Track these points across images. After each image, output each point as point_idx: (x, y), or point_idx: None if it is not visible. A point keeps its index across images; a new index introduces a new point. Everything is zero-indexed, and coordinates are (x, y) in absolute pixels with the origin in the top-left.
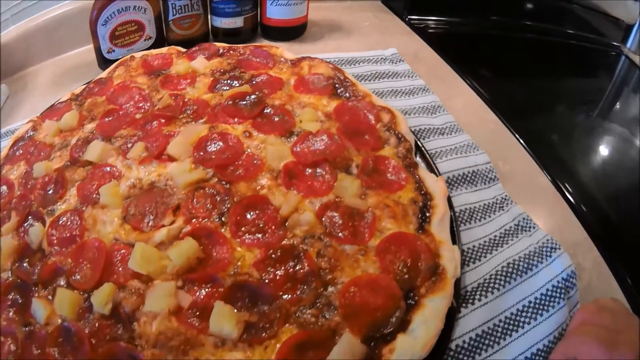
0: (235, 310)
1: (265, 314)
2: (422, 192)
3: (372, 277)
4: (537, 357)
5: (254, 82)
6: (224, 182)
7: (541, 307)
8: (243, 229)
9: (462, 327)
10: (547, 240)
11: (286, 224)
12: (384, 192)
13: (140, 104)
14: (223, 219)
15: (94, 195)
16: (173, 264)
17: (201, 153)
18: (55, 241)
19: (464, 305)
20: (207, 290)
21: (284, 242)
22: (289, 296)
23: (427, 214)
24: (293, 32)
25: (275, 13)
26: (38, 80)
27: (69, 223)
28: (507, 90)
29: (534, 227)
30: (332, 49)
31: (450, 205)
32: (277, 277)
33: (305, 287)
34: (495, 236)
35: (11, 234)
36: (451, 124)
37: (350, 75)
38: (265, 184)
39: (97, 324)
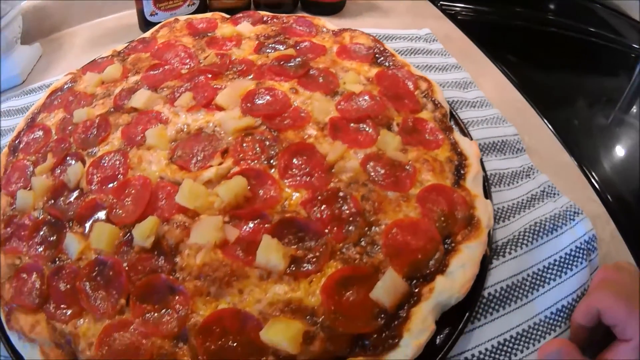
0: (282, 245)
1: (311, 250)
2: (457, 152)
3: (413, 220)
4: (561, 314)
5: (298, 48)
6: (272, 130)
7: (565, 265)
8: (291, 171)
9: (493, 277)
10: (570, 205)
11: (332, 170)
12: (423, 149)
13: (186, 61)
14: (272, 162)
15: (138, 137)
16: (221, 199)
17: (249, 104)
18: (95, 179)
19: (495, 257)
20: (254, 225)
21: (330, 185)
22: (335, 234)
23: (462, 172)
24: (332, 7)
25: None
26: (75, 42)
27: (112, 162)
28: (531, 78)
29: (557, 194)
30: (369, 25)
31: (483, 168)
32: (324, 216)
33: (350, 226)
34: (522, 199)
35: (46, 174)
36: (481, 98)
37: (390, 48)
38: (312, 134)
39: (136, 257)
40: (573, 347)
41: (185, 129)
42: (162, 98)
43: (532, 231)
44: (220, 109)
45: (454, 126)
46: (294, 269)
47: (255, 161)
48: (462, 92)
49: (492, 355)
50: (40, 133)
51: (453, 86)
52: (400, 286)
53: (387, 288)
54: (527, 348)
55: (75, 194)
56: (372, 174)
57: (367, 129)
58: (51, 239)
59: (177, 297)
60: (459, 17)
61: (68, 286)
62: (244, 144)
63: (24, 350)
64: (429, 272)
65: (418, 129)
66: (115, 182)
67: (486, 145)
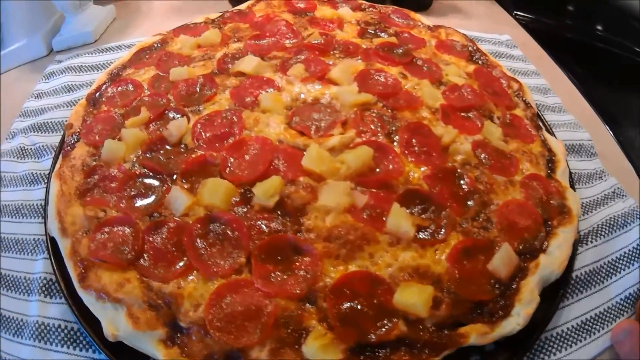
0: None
1: (434, 220)
2: (547, 148)
3: (520, 202)
4: (629, 300)
5: (399, 37)
6: (388, 108)
7: (633, 257)
8: (411, 147)
9: (578, 262)
10: (637, 206)
11: (448, 151)
12: (521, 142)
13: (289, 35)
14: (392, 136)
15: (249, 99)
16: (347, 166)
17: (363, 82)
18: (203, 136)
19: (579, 244)
20: (380, 193)
21: (447, 164)
22: (455, 208)
23: (552, 166)
24: (422, 4)
25: None
26: (153, 8)
27: (223, 121)
28: (595, 89)
29: (625, 196)
30: (455, 25)
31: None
32: (444, 191)
33: (469, 201)
34: (597, 198)
35: (139, 127)
36: (559, 105)
37: (483, 47)
38: (425, 116)
39: (256, 216)
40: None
41: (299, 99)
42: (270, 66)
43: (607, 225)
44: (334, 83)
45: (541, 125)
46: (422, 236)
47: (376, 135)
48: (543, 97)
49: (577, 332)
50: (130, 87)
51: (534, 91)
52: (514, 259)
53: (503, 260)
54: (603, 328)
55: (178, 149)
56: (482, 158)
57: (472, 118)
58: (148, 192)
59: (303, 258)
60: (530, 26)
61: (171, 242)
62: (364, 118)
63: (102, 312)
64: (535, 250)
65: (514, 124)
66: (230, 140)
67: (566, 147)
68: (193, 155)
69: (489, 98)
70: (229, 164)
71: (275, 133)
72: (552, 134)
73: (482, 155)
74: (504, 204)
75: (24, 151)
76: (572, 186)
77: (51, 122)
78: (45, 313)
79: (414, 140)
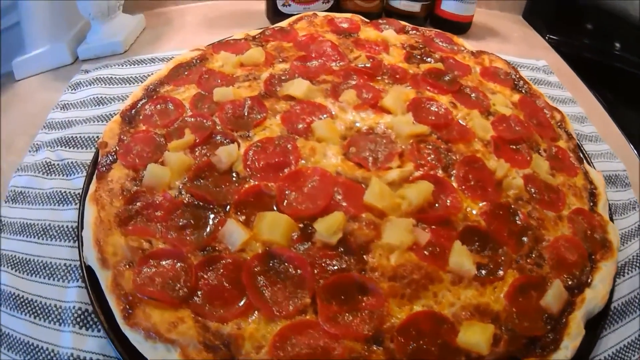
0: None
1: (492, 257)
2: (589, 180)
3: (569, 238)
4: None
5: (445, 63)
6: (443, 140)
7: None
8: (467, 182)
9: (616, 293)
10: None
11: (502, 185)
12: (566, 175)
13: (335, 57)
14: (449, 170)
15: (300, 126)
16: (409, 201)
17: (417, 112)
18: (256, 164)
19: (617, 277)
20: (440, 230)
21: (502, 199)
22: (512, 245)
23: (594, 199)
24: (460, 27)
25: (449, 6)
26: (186, 20)
27: (278, 149)
28: (628, 116)
29: None
30: (493, 49)
31: None
32: (501, 227)
33: (523, 238)
34: (632, 229)
35: (183, 151)
36: (595, 134)
37: (523, 74)
38: (478, 149)
39: (319, 254)
40: None
41: (354, 127)
42: (321, 91)
43: None
44: (386, 111)
45: (581, 157)
46: (482, 274)
47: (434, 169)
48: (580, 126)
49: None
50: (170, 106)
51: (572, 119)
52: (564, 295)
53: (555, 296)
54: (638, 353)
55: (228, 177)
56: (533, 192)
57: (522, 151)
58: (198, 223)
59: (369, 298)
60: (562, 49)
61: (227, 280)
62: (421, 150)
63: (152, 352)
64: (581, 284)
65: (559, 157)
66: (285, 170)
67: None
68: (246, 185)
69: (535, 129)
70: (287, 197)
71: (332, 164)
72: (592, 164)
73: (533, 190)
74: (555, 240)
75: (50, 166)
76: (611, 218)
77: (80, 137)
78: (81, 346)
79: (470, 174)
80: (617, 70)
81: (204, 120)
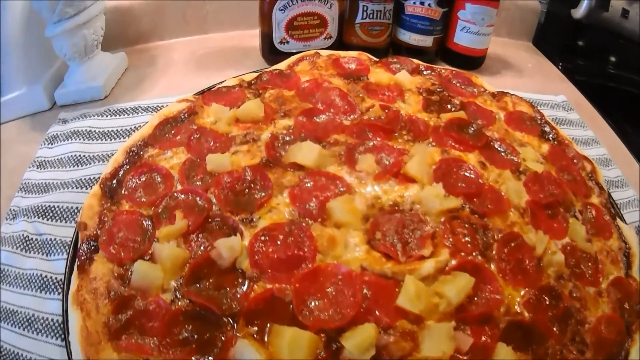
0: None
1: (536, 351)
2: (622, 239)
3: (609, 316)
4: None
5: (467, 110)
6: (477, 215)
7: None
8: (508, 265)
9: None
10: None
11: (542, 262)
12: (602, 239)
13: (345, 108)
14: (487, 253)
15: (313, 206)
16: (448, 301)
17: (446, 179)
18: (264, 262)
19: None
20: (481, 329)
21: (543, 281)
22: (555, 335)
23: (628, 261)
24: (474, 62)
25: (462, 39)
26: (173, 57)
27: (289, 239)
28: None
29: None
30: (510, 86)
31: None
32: (544, 317)
33: (566, 325)
34: None
35: (176, 241)
36: (621, 178)
37: (549, 119)
38: (515, 220)
39: None
40: None
41: (377, 203)
42: (333, 156)
43: None
44: (411, 180)
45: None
46: None
47: (472, 253)
48: (606, 171)
49: None
50: (157, 177)
51: (598, 163)
52: None
53: None
54: None
55: (232, 275)
56: (573, 266)
57: (558, 217)
58: (202, 336)
59: None
60: (576, 78)
61: None
62: (454, 230)
63: None
64: None
65: (594, 217)
66: (300, 269)
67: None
68: (255, 286)
69: (568, 187)
70: (307, 304)
71: (356, 258)
72: (622, 218)
73: (572, 262)
74: (597, 320)
75: (28, 241)
76: None
77: (58, 206)
78: None
79: (510, 255)
80: (630, 95)
81: (198, 199)
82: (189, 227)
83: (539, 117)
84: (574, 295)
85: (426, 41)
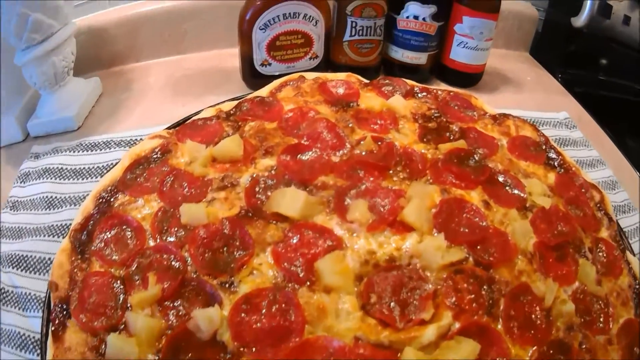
0: None
1: None
2: (632, 274)
3: None
4: None
5: (467, 138)
6: (482, 266)
7: None
8: (515, 324)
9: None
10: None
11: (550, 316)
12: (612, 278)
13: (334, 141)
14: (493, 311)
15: (300, 268)
16: None
17: (447, 224)
18: (247, 334)
19: None
20: None
21: (552, 336)
22: None
23: (639, 300)
24: (471, 78)
25: (459, 55)
26: (148, 81)
27: (273, 309)
28: None
29: None
30: (510, 104)
31: None
32: None
33: None
34: None
35: (150, 308)
36: (628, 202)
37: (554, 143)
38: (523, 268)
39: None
40: None
41: (371, 259)
42: (321, 203)
43: None
44: (408, 228)
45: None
46: None
47: (476, 313)
48: (612, 195)
49: None
50: (128, 231)
51: (604, 187)
52: None
53: None
54: None
55: (214, 349)
56: (583, 315)
57: (567, 259)
58: None
59: None
60: (576, 90)
61: None
62: (458, 286)
63: None
64: None
65: (605, 253)
66: (288, 343)
67: None
68: None
69: (577, 221)
70: None
71: (349, 328)
72: (632, 250)
73: (581, 309)
74: None
75: (4, 294)
76: None
77: (32, 256)
78: None
79: (517, 311)
80: (631, 104)
81: (172, 258)
82: (163, 293)
83: (544, 142)
84: (584, 346)
85: (420, 58)
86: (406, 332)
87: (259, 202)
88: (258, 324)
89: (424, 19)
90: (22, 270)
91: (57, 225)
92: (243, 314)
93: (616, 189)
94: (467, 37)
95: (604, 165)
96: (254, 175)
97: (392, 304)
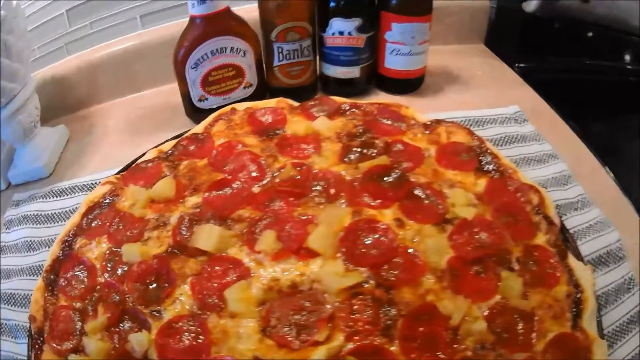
0: None
1: None
2: (574, 283)
3: None
4: None
5: (390, 152)
6: (383, 287)
7: None
8: (413, 344)
9: None
10: None
11: (458, 335)
12: (544, 289)
13: (255, 174)
14: (390, 331)
15: (213, 299)
16: None
17: (351, 249)
18: (169, 354)
19: None
20: None
21: (457, 357)
22: None
23: (579, 308)
24: (412, 84)
25: (394, 63)
26: (109, 124)
27: (186, 333)
28: (617, 146)
29: None
30: (455, 105)
31: None
32: None
33: None
34: (625, 319)
35: (100, 333)
36: (582, 196)
37: (491, 145)
38: (430, 287)
39: None
40: None
41: (274, 287)
42: (235, 237)
43: None
44: (314, 254)
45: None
46: None
47: (371, 334)
48: (564, 191)
49: None
50: (83, 271)
51: (553, 184)
52: None
53: None
54: None
55: None
56: (499, 332)
57: (488, 273)
58: None
59: None
60: (534, 78)
61: None
62: (354, 308)
63: None
64: None
65: (537, 262)
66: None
67: (592, 262)
68: None
69: (507, 230)
70: None
71: (249, 349)
72: (579, 252)
73: (499, 329)
74: None
75: (1, 327)
76: (600, 309)
77: (18, 294)
78: None
79: (416, 331)
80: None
81: (114, 292)
82: (109, 321)
83: (478, 145)
84: None
85: (353, 72)
86: (300, 352)
87: (183, 239)
88: (177, 346)
89: (349, 33)
90: (12, 306)
91: (35, 266)
92: (166, 337)
93: (569, 183)
94: (399, 44)
95: (557, 159)
96: (181, 214)
97: (290, 326)
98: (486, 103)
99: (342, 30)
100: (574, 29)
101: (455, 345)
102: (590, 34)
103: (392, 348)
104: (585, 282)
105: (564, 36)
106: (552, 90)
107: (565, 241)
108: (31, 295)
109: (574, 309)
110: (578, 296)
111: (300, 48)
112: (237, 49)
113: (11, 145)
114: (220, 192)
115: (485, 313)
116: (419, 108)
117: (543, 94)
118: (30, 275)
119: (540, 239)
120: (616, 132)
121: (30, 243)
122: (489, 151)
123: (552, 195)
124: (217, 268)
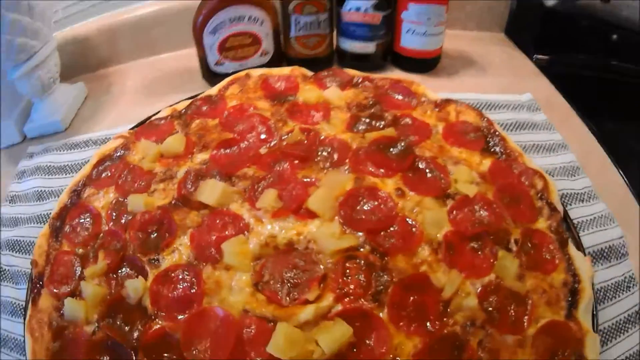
0: None
1: None
2: (572, 272)
3: None
4: None
5: (398, 125)
6: (378, 253)
7: None
8: (403, 312)
9: None
10: None
11: (448, 309)
12: (540, 274)
13: (263, 136)
14: (380, 297)
15: (212, 251)
16: (321, 351)
17: (349, 213)
18: (162, 301)
19: None
20: None
21: (446, 330)
22: None
23: (575, 297)
24: (427, 64)
25: (410, 42)
26: (126, 83)
27: (181, 282)
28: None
29: None
30: (468, 87)
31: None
32: None
33: None
34: (622, 318)
35: (98, 279)
36: (589, 189)
37: (500, 128)
38: (424, 258)
39: None
40: None
41: (270, 243)
42: (238, 193)
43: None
44: (312, 215)
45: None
46: None
47: (361, 298)
48: (570, 182)
49: None
50: (88, 219)
51: (561, 173)
52: None
53: None
54: None
55: (138, 313)
56: (490, 310)
57: (484, 250)
58: None
59: None
60: (553, 71)
61: None
62: (347, 271)
63: None
64: None
65: (535, 246)
66: (188, 311)
67: (593, 254)
68: (153, 324)
69: (507, 212)
70: (192, 345)
71: (239, 301)
72: (580, 242)
73: (491, 307)
74: None
75: (3, 272)
76: (596, 303)
77: (23, 240)
78: None
79: (407, 300)
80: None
81: (116, 240)
82: (108, 267)
83: (486, 127)
84: (485, 345)
85: (369, 47)
86: (289, 309)
87: (188, 192)
88: (170, 294)
89: (366, 10)
90: (16, 252)
91: (43, 214)
92: (160, 285)
93: (577, 175)
94: (416, 24)
95: (567, 149)
96: (188, 169)
97: (282, 283)
98: (500, 89)
99: (358, 6)
100: (598, 29)
101: (444, 319)
102: (615, 36)
103: (380, 314)
104: (583, 273)
105: (587, 33)
106: (568, 84)
107: (568, 230)
108: (34, 241)
109: (570, 299)
110: (575, 286)
111: (317, 20)
112: (255, 17)
113: (29, 100)
114: (228, 151)
115: (478, 290)
116: (433, 87)
117: (559, 87)
118: (37, 223)
119: (541, 224)
120: (630, 133)
121: (40, 193)
122: (496, 133)
123: (558, 184)
124: (217, 221)
